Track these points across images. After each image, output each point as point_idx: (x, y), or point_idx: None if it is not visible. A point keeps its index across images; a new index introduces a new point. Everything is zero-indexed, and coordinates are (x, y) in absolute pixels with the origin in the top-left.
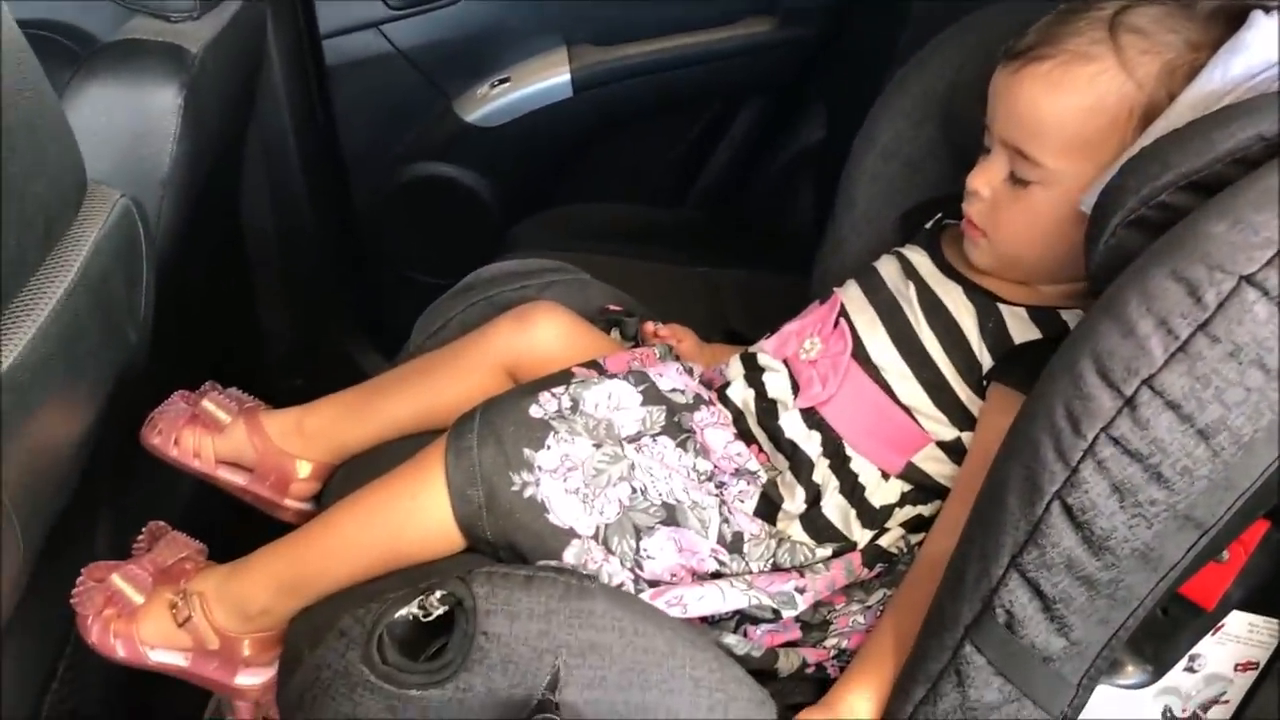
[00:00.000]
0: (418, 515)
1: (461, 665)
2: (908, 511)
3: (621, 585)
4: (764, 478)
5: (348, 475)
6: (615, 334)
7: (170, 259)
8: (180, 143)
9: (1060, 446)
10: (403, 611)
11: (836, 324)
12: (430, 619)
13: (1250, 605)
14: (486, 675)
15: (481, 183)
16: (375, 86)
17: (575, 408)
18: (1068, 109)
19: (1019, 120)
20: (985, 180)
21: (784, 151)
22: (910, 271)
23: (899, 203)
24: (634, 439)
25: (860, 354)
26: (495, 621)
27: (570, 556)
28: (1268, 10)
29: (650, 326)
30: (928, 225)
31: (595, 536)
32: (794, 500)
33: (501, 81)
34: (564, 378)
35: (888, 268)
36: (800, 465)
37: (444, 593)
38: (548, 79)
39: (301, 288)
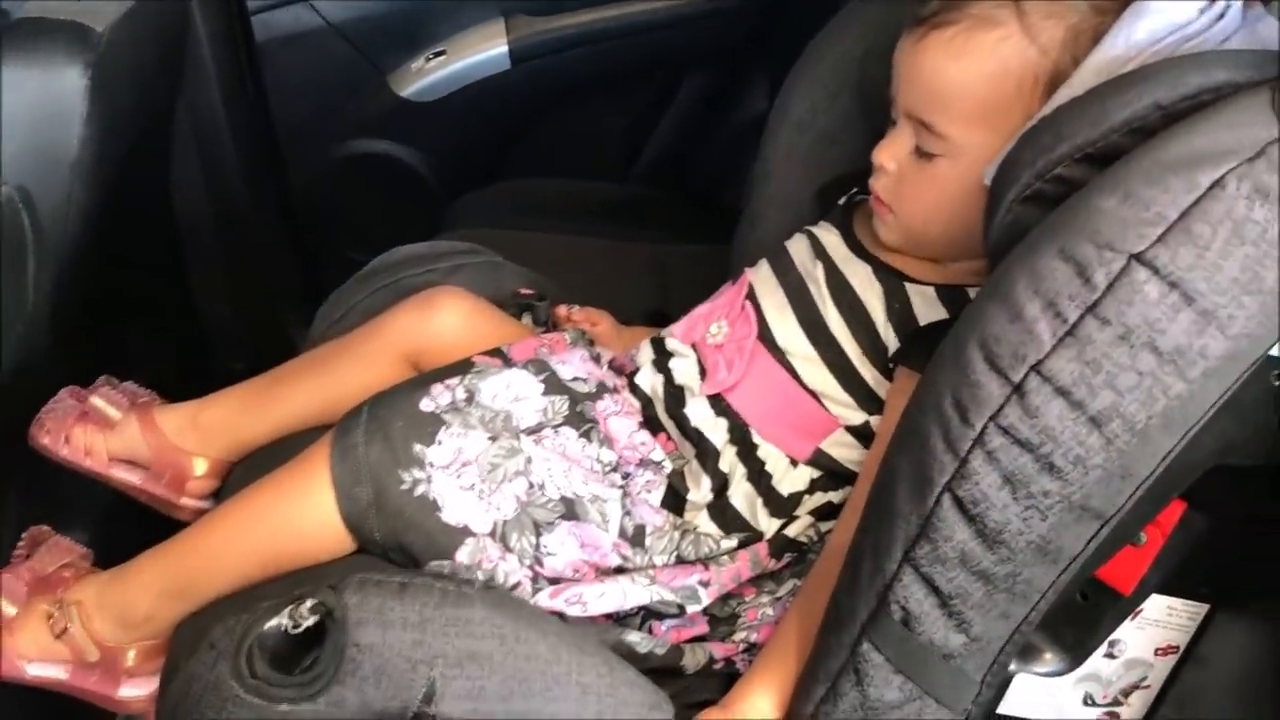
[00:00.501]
0: (304, 516)
1: (333, 678)
2: (817, 499)
3: (519, 585)
4: (670, 468)
5: (247, 471)
6: (527, 319)
7: (85, 242)
8: (89, 124)
9: (949, 437)
10: (273, 622)
11: (744, 306)
12: (301, 630)
13: (1169, 588)
14: (359, 688)
15: (420, 159)
16: (308, 62)
17: (471, 399)
18: (970, 77)
19: (922, 90)
20: (891, 154)
21: (729, 122)
22: (820, 251)
23: (816, 177)
24: (534, 430)
25: (766, 337)
26: (367, 632)
27: (464, 556)
28: None
29: (563, 310)
30: (840, 201)
31: (492, 534)
32: (700, 490)
33: (437, 54)
34: (462, 368)
35: (798, 247)
36: (706, 453)
37: (314, 602)
38: (484, 51)
39: (239, 267)
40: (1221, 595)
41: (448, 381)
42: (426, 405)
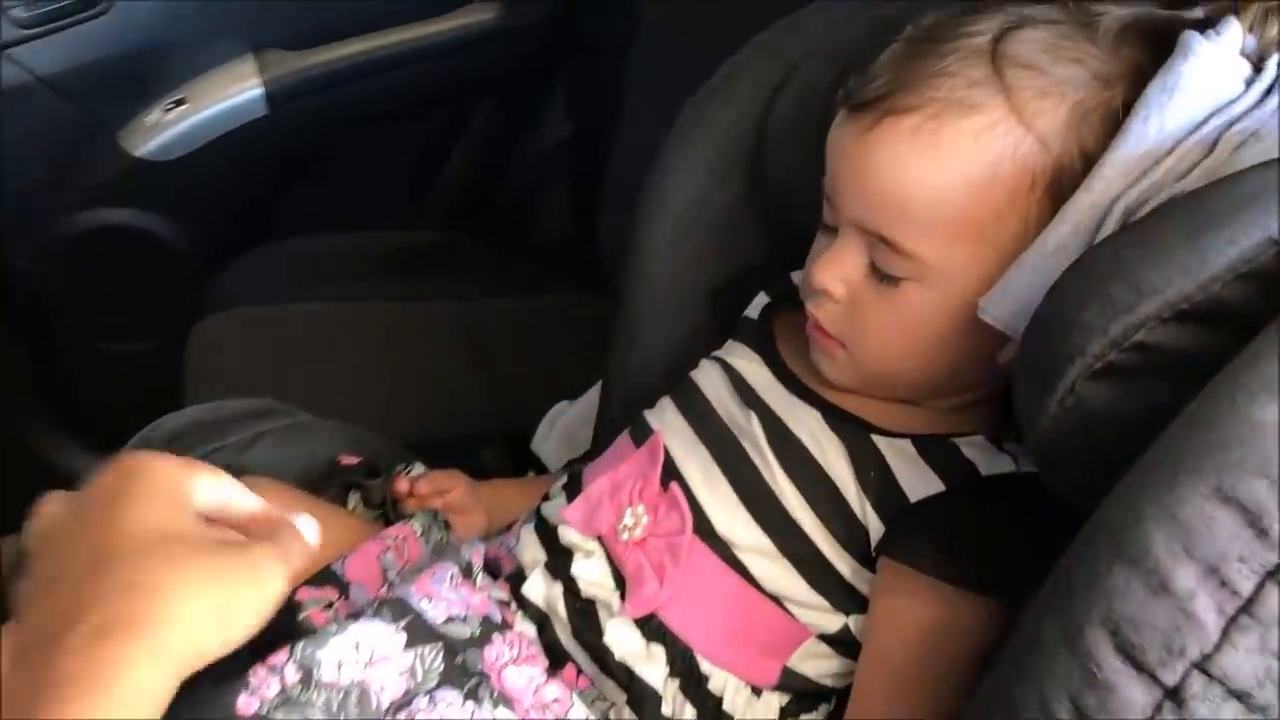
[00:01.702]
0: None
1: None
2: None
3: None
4: None
5: None
6: (355, 500)
7: None
8: None
9: None
10: None
11: (669, 487)
12: None
13: None
14: None
15: (170, 227)
16: (19, 123)
17: (308, 680)
18: (946, 183)
19: (878, 198)
20: (837, 275)
21: (531, 153)
22: (745, 391)
23: (709, 279)
24: (403, 704)
25: (703, 526)
26: None
27: None
28: (1204, 30)
29: (403, 485)
30: (751, 313)
31: None
32: None
33: (176, 104)
34: (286, 624)
35: (712, 383)
36: (642, 697)
37: None
38: (235, 95)
39: None
40: None
41: (272, 660)
42: (247, 705)
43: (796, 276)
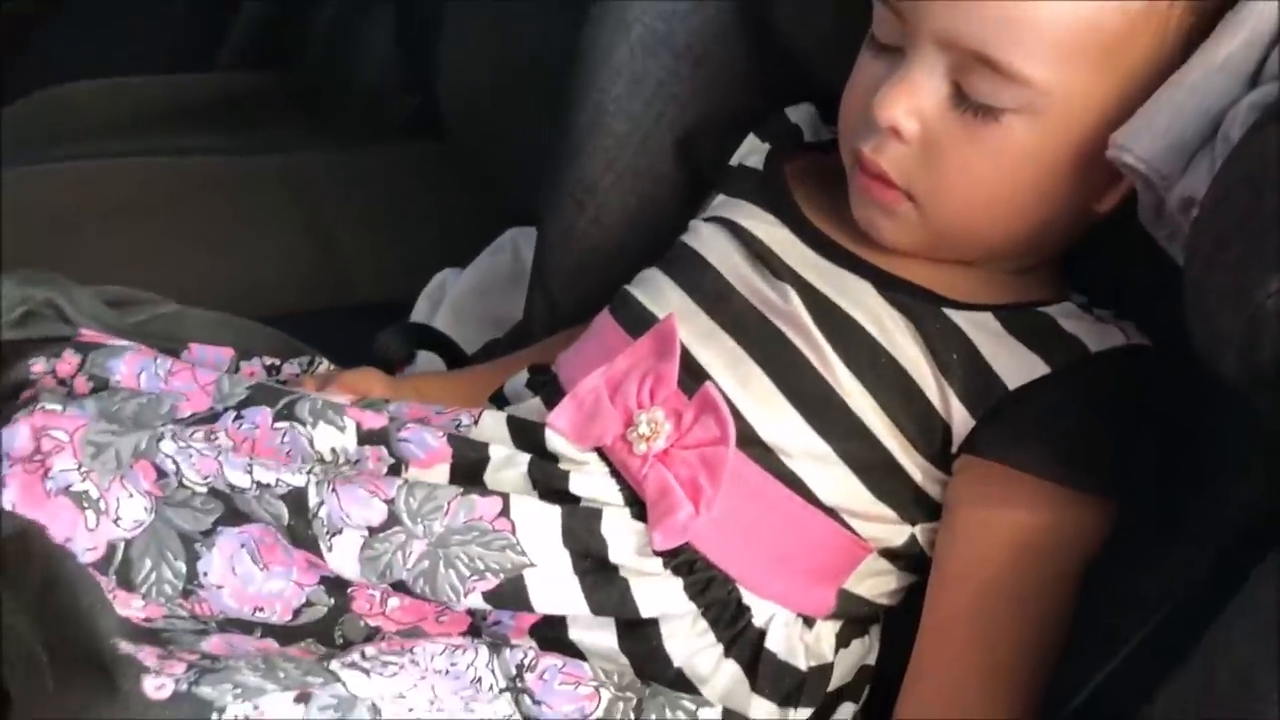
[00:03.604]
0: None
1: None
2: (842, 660)
3: None
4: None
5: None
6: None
7: None
8: None
9: None
10: None
11: (702, 390)
12: None
13: None
14: None
15: None
16: None
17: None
18: None
19: (981, 5)
20: (910, 107)
21: None
22: (771, 261)
23: (681, 120)
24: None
25: (743, 433)
26: None
27: None
28: None
29: (311, 388)
30: (750, 162)
31: None
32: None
33: None
34: None
35: (722, 252)
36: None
37: None
38: None
39: None
40: None
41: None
42: None
43: (794, 114)
